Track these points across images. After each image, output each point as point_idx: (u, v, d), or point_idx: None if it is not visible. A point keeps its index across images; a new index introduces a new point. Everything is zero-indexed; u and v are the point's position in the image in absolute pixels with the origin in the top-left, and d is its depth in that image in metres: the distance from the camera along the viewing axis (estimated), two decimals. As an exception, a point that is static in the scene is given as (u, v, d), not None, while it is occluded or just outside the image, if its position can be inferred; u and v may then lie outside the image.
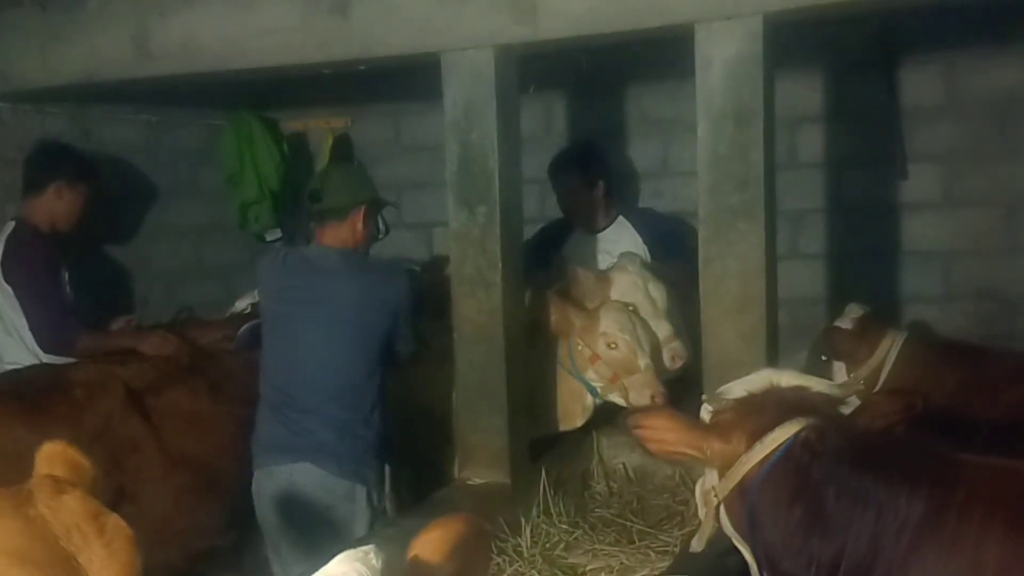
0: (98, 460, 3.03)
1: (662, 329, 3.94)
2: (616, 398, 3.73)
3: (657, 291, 4.05)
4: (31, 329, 3.70)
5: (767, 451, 1.93)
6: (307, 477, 3.14)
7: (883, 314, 3.66)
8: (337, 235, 3.40)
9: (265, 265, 3.52)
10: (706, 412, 2.12)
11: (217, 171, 5.40)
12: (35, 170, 4.00)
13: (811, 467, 1.89)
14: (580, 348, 3.76)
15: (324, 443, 3.16)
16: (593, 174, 4.64)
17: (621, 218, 4.68)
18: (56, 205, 3.96)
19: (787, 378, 2.05)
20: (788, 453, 1.91)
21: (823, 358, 3.47)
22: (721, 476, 2.00)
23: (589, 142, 4.94)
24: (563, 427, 3.91)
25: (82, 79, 3.95)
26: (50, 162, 4.00)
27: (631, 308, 3.92)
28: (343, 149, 5.74)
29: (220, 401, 3.46)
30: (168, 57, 3.74)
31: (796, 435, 1.92)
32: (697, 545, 2.13)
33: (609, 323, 3.71)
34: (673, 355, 3.89)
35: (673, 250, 4.35)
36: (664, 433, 2.04)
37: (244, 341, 3.87)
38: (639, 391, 3.61)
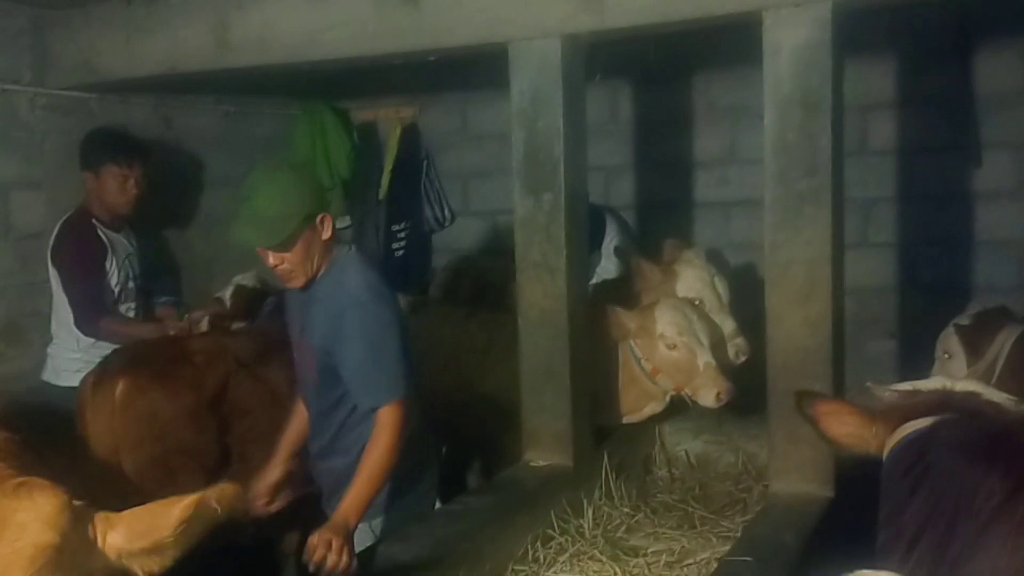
0: (215, 423, 3.24)
1: (727, 324, 3.96)
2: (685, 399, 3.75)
3: (722, 285, 4.07)
4: (70, 306, 3.92)
5: (903, 434, 1.96)
6: None
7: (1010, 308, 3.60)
8: None
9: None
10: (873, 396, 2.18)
11: (291, 160, 5.55)
12: (78, 162, 4.16)
13: (927, 449, 1.91)
14: (641, 359, 3.73)
15: None
16: None
17: None
18: (97, 192, 4.07)
19: (962, 385, 2.08)
20: (917, 436, 1.94)
21: (945, 355, 3.42)
22: None
23: None
24: (628, 420, 3.92)
25: (165, 70, 4.10)
26: (82, 152, 4.14)
27: (698, 302, 3.94)
28: (411, 138, 5.86)
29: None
30: (246, 49, 3.87)
31: (934, 423, 1.94)
32: None
33: (666, 325, 3.67)
34: (738, 351, 3.91)
35: None
36: (842, 416, 2.11)
37: (268, 315, 3.94)
38: (705, 393, 3.60)
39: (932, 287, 4.64)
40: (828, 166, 3.03)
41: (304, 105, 5.55)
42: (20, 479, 1.42)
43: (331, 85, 5.44)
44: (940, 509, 1.81)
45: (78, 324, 3.88)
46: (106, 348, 3.66)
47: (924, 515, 1.83)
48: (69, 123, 4.41)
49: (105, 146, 4.11)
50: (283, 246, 2.58)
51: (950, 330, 3.43)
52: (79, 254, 3.96)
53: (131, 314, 4.10)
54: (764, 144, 3.11)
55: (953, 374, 3.46)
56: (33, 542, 1.36)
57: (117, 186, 4.06)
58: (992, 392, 2.11)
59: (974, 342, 3.35)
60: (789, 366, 3.09)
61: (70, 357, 3.91)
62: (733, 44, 3.80)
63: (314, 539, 2.44)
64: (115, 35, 4.15)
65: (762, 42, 3.07)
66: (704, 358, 3.62)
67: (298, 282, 2.68)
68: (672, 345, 3.65)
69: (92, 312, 3.88)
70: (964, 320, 3.46)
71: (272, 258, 2.62)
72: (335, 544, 2.42)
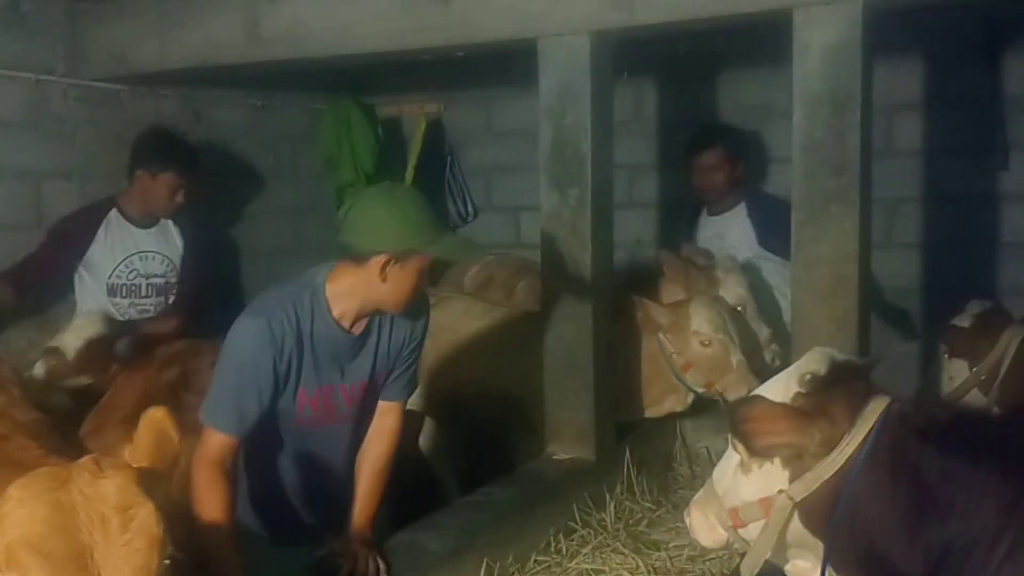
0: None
1: (763, 330, 4.02)
2: (714, 396, 3.75)
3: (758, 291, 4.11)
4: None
5: (868, 427, 1.80)
6: None
7: (1007, 309, 3.59)
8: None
9: None
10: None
11: (316, 154, 5.60)
12: (130, 156, 4.22)
13: (907, 442, 1.78)
14: (671, 353, 3.74)
15: None
16: (736, 152, 4.63)
17: (742, 204, 4.61)
18: (146, 192, 4.13)
19: (840, 355, 1.95)
20: (883, 429, 1.80)
21: (945, 356, 3.40)
22: (810, 467, 1.83)
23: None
24: (650, 414, 3.93)
25: (196, 63, 4.15)
26: (143, 151, 4.18)
27: (741, 308, 4.00)
28: (435, 134, 5.89)
29: None
30: (277, 42, 3.91)
31: (888, 409, 1.82)
32: (750, 571, 1.91)
33: (702, 321, 3.68)
34: (774, 355, 3.97)
35: (776, 233, 4.15)
36: (772, 424, 1.85)
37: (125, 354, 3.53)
38: (735, 390, 3.60)
39: (957, 288, 4.59)
40: (856, 165, 3.03)
41: (330, 100, 5.59)
42: (91, 459, 1.46)
43: (357, 80, 5.48)
44: (963, 512, 1.71)
45: None
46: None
47: (946, 522, 1.72)
48: (100, 114, 4.47)
49: (172, 153, 4.16)
50: None
51: (949, 331, 3.44)
52: (58, 233, 4.08)
53: (132, 311, 4.12)
54: (792, 142, 3.12)
55: (954, 375, 3.44)
56: (147, 515, 1.40)
57: (169, 193, 4.13)
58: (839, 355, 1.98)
59: (974, 344, 3.33)
60: (814, 364, 3.09)
61: None
62: (759, 43, 3.81)
63: (355, 553, 2.44)
64: (148, 27, 4.20)
65: (791, 40, 3.07)
66: (737, 356, 3.65)
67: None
68: (707, 342, 3.66)
69: (10, 271, 3.92)
70: (964, 321, 3.42)
71: (423, 277, 2.44)
72: (381, 561, 2.46)
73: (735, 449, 1.98)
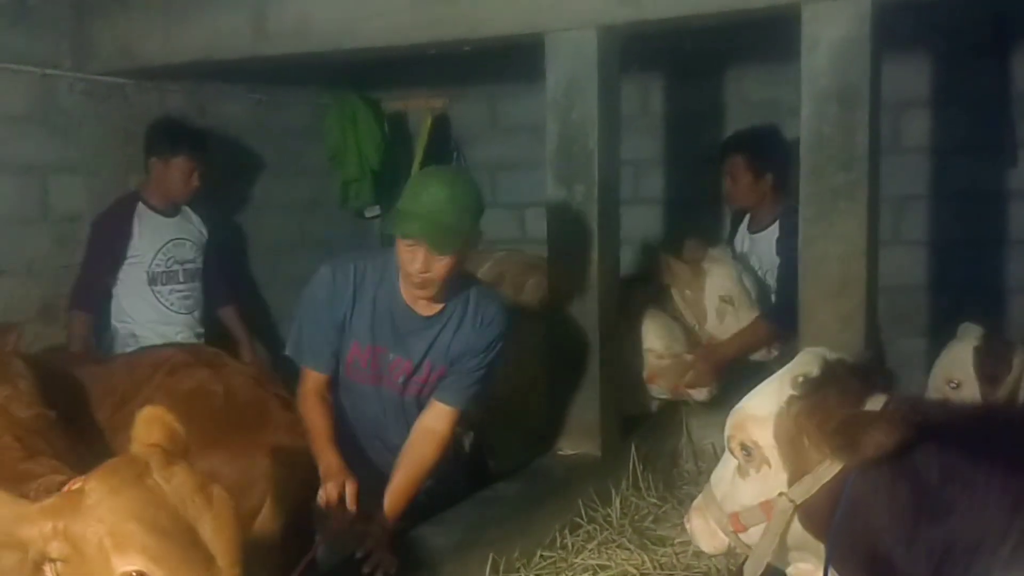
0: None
1: None
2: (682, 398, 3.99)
3: (749, 282, 4.09)
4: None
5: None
6: None
7: (1002, 331, 3.50)
8: None
9: None
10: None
11: (321, 149, 5.60)
12: (143, 149, 4.31)
13: (907, 455, 1.75)
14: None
15: None
16: (761, 163, 4.11)
17: (776, 224, 4.11)
18: (161, 179, 4.23)
19: (831, 354, 1.94)
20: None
21: (951, 385, 3.09)
22: (809, 469, 1.82)
23: (772, 127, 4.33)
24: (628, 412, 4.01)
25: (202, 58, 4.14)
26: (153, 139, 4.28)
27: (728, 299, 4.01)
28: (441, 130, 5.88)
29: None
30: (283, 37, 3.90)
31: (885, 407, 1.81)
32: (752, 575, 1.91)
33: (653, 340, 3.92)
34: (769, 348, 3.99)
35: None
36: None
37: None
38: (698, 392, 3.92)
39: (964, 286, 4.61)
40: (864, 161, 3.02)
41: (335, 95, 5.58)
42: (157, 446, 1.52)
43: (362, 75, 5.47)
44: (965, 510, 1.69)
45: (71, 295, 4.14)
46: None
47: (947, 521, 1.71)
48: (106, 108, 4.47)
49: (180, 137, 4.26)
50: (446, 255, 2.48)
51: (957, 355, 3.11)
52: (97, 238, 4.18)
53: (173, 297, 4.24)
54: (800, 138, 3.11)
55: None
56: (220, 491, 1.49)
57: (183, 177, 4.23)
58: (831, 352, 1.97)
59: (988, 367, 3.04)
60: (821, 361, 3.07)
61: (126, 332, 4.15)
62: (767, 39, 3.79)
63: (372, 543, 2.45)
64: (154, 22, 4.20)
65: (800, 36, 3.06)
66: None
67: (429, 293, 2.59)
68: (661, 356, 3.88)
69: (77, 296, 4.11)
70: (975, 342, 3.10)
71: (421, 263, 2.49)
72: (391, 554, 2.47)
73: (732, 454, 1.98)
